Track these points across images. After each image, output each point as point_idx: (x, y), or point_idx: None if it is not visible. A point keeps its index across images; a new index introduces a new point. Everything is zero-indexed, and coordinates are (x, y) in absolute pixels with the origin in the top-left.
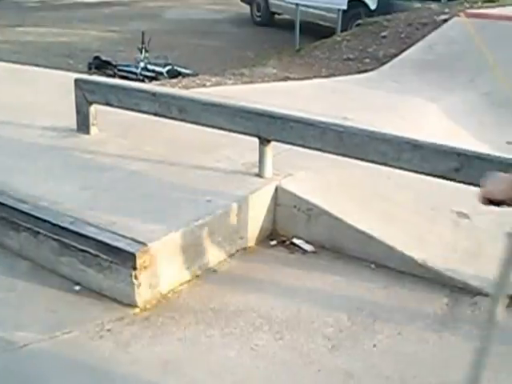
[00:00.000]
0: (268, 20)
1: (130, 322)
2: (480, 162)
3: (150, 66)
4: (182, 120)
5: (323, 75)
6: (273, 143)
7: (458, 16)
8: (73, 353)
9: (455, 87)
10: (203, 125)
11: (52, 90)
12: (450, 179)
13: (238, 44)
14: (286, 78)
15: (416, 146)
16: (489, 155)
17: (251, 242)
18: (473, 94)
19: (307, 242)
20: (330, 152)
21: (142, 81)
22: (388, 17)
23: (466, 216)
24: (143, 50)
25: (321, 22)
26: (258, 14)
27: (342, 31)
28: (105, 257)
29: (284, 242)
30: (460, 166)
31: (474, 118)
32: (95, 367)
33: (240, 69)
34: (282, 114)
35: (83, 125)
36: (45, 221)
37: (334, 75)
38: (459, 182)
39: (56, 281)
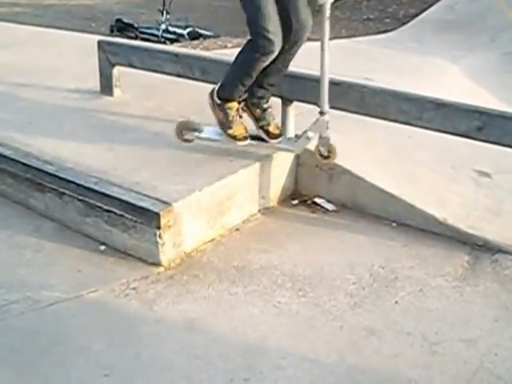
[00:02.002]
0: None
1: (154, 281)
2: (503, 121)
3: (171, 28)
4: (204, 81)
5: (344, 36)
6: (295, 103)
7: None
8: (98, 311)
9: (476, 47)
10: None
11: (75, 53)
12: (472, 138)
13: None
14: (307, 39)
15: (439, 105)
16: None
17: (273, 202)
18: (494, 53)
19: (329, 201)
20: (352, 112)
21: (164, 43)
22: None
23: (486, 175)
24: (164, 12)
25: None
26: None
27: None
28: (129, 217)
29: (306, 201)
30: (482, 125)
31: (496, 78)
32: (121, 325)
33: None
34: (303, 74)
35: (106, 86)
36: (70, 182)
37: (354, 36)
38: (481, 140)
39: (81, 241)
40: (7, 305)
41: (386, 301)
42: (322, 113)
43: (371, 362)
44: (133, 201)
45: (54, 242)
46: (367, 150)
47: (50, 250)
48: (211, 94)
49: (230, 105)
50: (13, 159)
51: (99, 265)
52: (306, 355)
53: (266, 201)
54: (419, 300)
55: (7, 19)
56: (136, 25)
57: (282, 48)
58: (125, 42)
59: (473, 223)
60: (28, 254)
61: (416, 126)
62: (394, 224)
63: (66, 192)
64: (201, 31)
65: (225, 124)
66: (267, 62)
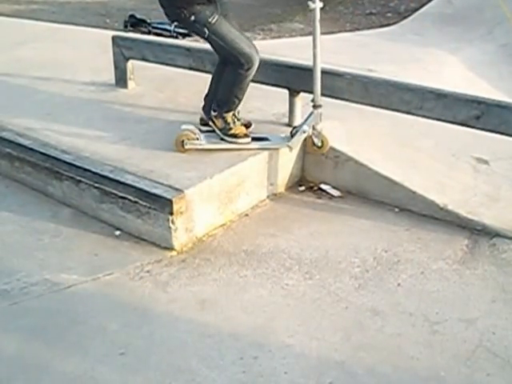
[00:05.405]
0: None
1: (167, 264)
2: (500, 110)
3: None
4: None
5: (347, 29)
6: (301, 94)
7: None
8: (114, 293)
9: (474, 39)
10: None
11: (90, 48)
12: (471, 126)
13: (266, 1)
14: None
15: (439, 95)
16: (508, 103)
17: (281, 188)
18: (491, 45)
19: (334, 187)
20: (356, 102)
21: (176, 38)
22: None
23: (484, 162)
24: None
25: None
26: None
27: None
28: (143, 203)
29: (312, 187)
30: (480, 114)
31: (493, 69)
32: (135, 306)
33: (268, 25)
34: (310, 67)
35: (121, 79)
36: (86, 170)
37: (357, 29)
38: (479, 129)
39: (98, 226)
40: (27, 287)
41: (389, 283)
42: (315, 106)
43: (375, 340)
44: (146, 188)
45: (71, 227)
46: (371, 139)
47: (68, 235)
48: (207, 111)
49: (226, 114)
50: (32, 149)
51: (115, 249)
52: (312, 334)
53: (274, 187)
54: (421, 282)
55: (25, 16)
56: (149, 20)
57: None
58: (138, 37)
59: (472, 209)
60: (46, 239)
61: (417, 115)
62: (397, 209)
63: (83, 180)
64: None
65: (225, 127)
66: (252, 75)
